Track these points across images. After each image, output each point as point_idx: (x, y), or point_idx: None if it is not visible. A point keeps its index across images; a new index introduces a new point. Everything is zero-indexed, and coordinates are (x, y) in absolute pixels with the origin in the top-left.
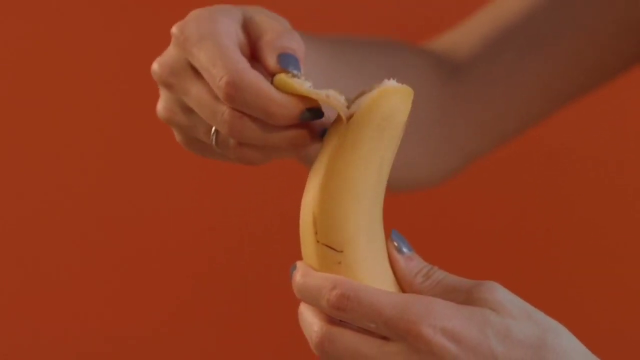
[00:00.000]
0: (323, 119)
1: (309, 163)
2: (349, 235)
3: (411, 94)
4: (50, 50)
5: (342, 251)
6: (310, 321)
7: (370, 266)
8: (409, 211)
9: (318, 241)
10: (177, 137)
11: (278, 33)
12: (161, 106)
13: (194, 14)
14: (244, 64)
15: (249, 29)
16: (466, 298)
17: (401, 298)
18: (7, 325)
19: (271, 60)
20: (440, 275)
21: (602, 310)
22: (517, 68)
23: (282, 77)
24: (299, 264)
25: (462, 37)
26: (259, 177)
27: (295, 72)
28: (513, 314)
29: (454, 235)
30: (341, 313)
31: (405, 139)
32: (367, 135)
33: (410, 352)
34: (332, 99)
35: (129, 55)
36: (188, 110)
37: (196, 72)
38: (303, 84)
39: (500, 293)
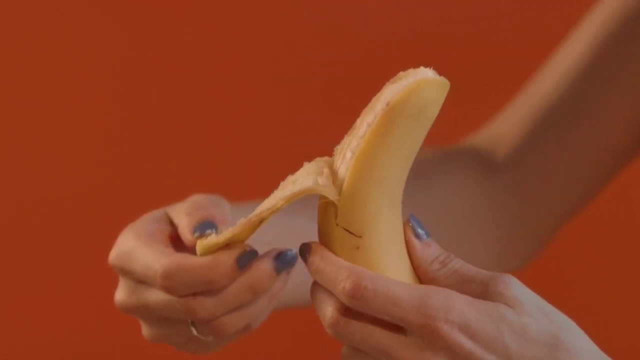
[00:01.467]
0: (278, 252)
1: (299, 303)
2: (369, 220)
3: (447, 86)
4: (50, 50)
5: (360, 236)
6: (325, 302)
7: (388, 252)
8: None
9: (337, 224)
10: (176, 348)
11: (190, 212)
12: (144, 331)
13: (120, 237)
14: (168, 253)
15: (173, 223)
16: (483, 291)
17: (418, 291)
18: (6, 325)
19: (188, 236)
20: (456, 264)
21: (603, 312)
22: (565, 143)
23: (199, 243)
24: (314, 245)
25: (502, 127)
26: (257, 176)
27: (209, 231)
28: (529, 311)
29: None
30: (356, 302)
31: (469, 242)
32: (399, 124)
33: (425, 345)
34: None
35: (128, 55)
36: (164, 320)
37: (145, 284)
38: (218, 235)
39: (517, 288)
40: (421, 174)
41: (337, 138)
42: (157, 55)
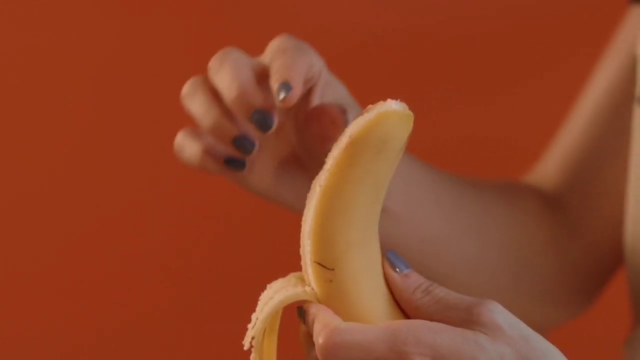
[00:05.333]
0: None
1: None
2: (338, 253)
3: (411, 118)
4: (50, 50)
5: (333, 269)
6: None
7: (362, 284)
8: None
9: (311, 259)
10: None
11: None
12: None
13: None
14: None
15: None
16: (465, 318)
17: (388, 331)
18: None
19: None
20: (440, 292)
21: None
22: (599, 182)
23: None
24: (305, 307)
25: (544, 169)
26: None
27: None
28: (508, 339)
29: None
30: (329, 358)
31: (530, 275)
32: (361, 157)
33: None
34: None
35: (126, 55)
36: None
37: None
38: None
39: (498, 314)
40: (483, 199)
41: None
42: (155, 55)
